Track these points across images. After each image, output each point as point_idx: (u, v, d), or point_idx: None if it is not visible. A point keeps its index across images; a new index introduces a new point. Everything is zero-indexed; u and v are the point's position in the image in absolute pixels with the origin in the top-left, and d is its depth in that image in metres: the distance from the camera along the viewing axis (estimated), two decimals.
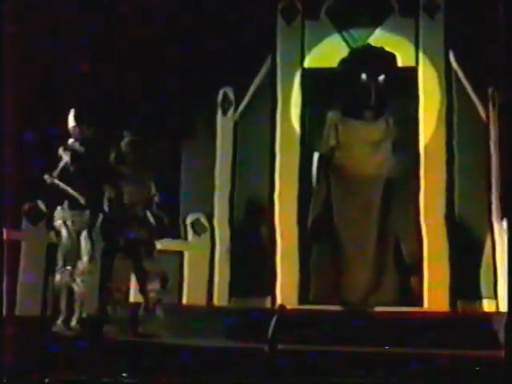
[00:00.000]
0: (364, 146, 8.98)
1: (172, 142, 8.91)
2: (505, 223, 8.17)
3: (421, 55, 9.13)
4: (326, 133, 9.03)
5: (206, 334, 7.52)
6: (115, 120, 7.95)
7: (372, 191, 8.91)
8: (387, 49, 9.01)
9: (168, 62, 8.83)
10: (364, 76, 8.95)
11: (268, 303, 8.69)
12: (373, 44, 9.11)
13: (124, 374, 5.89)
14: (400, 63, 9.15)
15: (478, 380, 5.88)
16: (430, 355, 6.51)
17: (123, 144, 7.45)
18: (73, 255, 7.22)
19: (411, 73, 9.16)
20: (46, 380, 5.77)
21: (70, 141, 7.38)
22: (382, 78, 8.93)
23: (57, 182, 7.20)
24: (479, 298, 8.53)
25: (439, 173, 8.92)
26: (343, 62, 9.13)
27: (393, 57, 9.06)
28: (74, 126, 7.37)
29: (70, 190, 7.17)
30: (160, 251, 7.77)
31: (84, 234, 7.26)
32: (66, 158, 7.26)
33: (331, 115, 9.05)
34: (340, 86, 9.03)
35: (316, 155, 8.29)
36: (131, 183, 7.38)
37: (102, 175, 7.38)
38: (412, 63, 9.17)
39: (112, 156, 7.43)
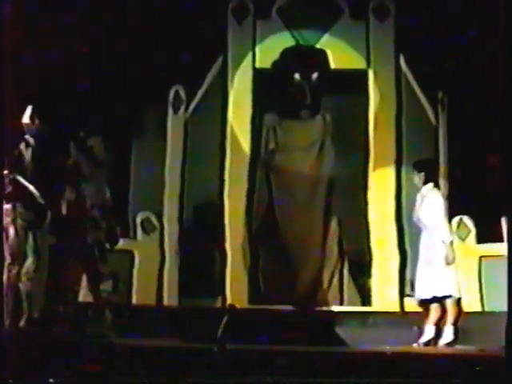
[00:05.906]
0: (303, 144, 9.05)
1: (121, 140, 8.81)
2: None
3: (371, 58, 9.20)
4: (264, 136, 9.09)
5: (155, 334, 7.49)
6: (74, 119, 7.82)
7: (314, 190, 8.97)
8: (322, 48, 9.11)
9: (118, 58, 8.74)
10: (297, 75, 9.00)
11: (218, 303, 8.66)
12: (319, 45, 9.17)
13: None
14: (350, 65, 9.21)
15: None
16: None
17: (94, 144, 7.27)
18: (20, 255, 7.08)
19: (361, 74, 9.24)
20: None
21: (26, 137, 7.21)
22: (315, 75, 9.01)
23: (19, 178, 7.01)
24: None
25: (388, 174, 9.03)
26: (275, 63, 9.14)
27: (324, 54, 9.11)
28: (31, 123, 7.20)
29: (31, 188, 7.00)
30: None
31: (30, 233, 7.12)
32: (27, 154, 7.10)
33: (268, 118, 9.11)
34: (275, 87, 9.06)
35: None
36: (91, 185, 7.24)
37: (64, 175, 7.22)
38: (363, 65, 9.24)
39: (77, 156, 7.26)
